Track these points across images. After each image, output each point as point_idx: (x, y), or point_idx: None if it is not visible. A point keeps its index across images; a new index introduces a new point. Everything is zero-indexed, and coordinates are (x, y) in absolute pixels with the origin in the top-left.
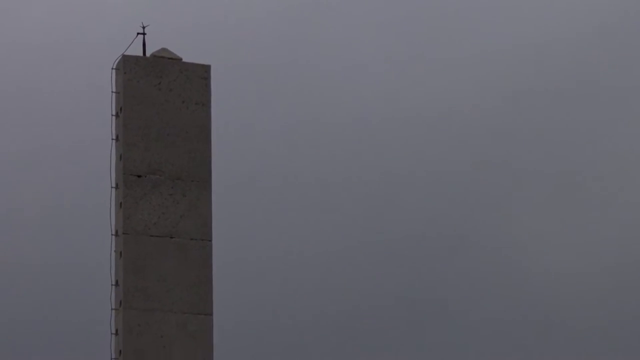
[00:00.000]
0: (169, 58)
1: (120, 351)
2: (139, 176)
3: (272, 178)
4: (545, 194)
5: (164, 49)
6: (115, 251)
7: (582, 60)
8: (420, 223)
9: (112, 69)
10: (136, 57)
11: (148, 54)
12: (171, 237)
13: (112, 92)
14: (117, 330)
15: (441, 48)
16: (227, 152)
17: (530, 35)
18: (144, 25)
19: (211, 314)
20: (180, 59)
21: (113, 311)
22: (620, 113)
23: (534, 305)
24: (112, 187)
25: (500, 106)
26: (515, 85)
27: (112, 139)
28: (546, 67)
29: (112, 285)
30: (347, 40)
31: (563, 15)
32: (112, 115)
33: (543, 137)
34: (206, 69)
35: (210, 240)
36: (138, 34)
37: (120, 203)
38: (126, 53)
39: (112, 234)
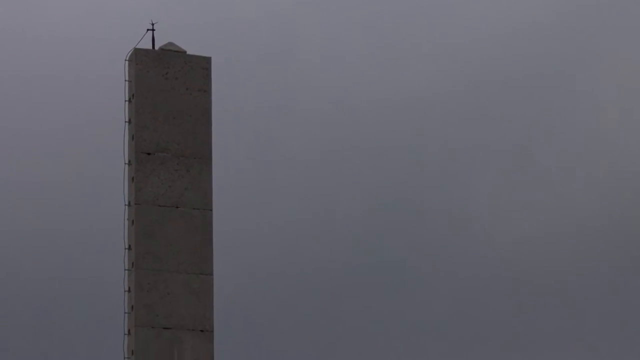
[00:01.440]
0: (175, 51)
1: (132, 306)
2: (149, 154)
3: (265, 155)
4: (503, 167)
5: (170, 43)
6: (128, 219)
7: (537, 46)
8: (392, 194)
9: (125, 60)
10: (146, 50)
11: (156, 47)
12: (177, 207)
13: (125, 80)
14: (129, 288)
15: (411, 41)
16: (226, 133)
17: (488, 28)
18: (153, 23)
19: (212, 274)
20: (185, 52)
21: (126, 272)
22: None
23: (493, 267)
24: (125, 164)
25: (465, 89)
26: (478, 71)
27: (126, 122)
28: (504, 54)
29: (125, 249)
30: (330, 34)
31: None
32: (125, 100)
33: (503, 116)
34: (207, 60)
35: (211, 210)
36: (148, 29)
37: (133, 177)
38: (137, 47)
39: (125, 204)
